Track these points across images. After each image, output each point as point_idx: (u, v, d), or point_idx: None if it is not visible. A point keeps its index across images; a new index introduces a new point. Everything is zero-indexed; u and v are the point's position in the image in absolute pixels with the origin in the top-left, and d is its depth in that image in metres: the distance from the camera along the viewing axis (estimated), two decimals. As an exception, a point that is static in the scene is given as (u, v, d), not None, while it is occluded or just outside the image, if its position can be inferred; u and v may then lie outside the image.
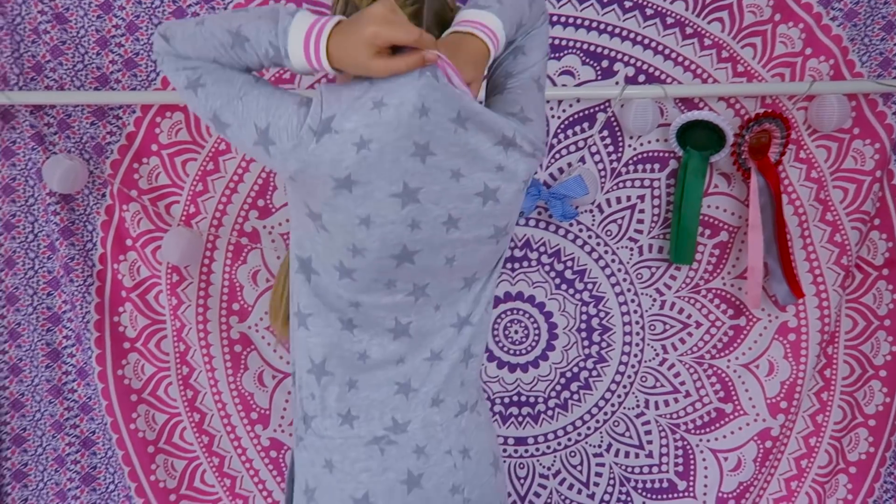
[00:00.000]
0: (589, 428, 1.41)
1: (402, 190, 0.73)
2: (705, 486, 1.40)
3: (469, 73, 0.74)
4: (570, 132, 1.34)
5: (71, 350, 1.35)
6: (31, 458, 1.35)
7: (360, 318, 0.80)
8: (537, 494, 1.42)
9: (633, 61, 1.32)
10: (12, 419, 1.34)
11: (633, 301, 1.39)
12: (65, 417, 1.34)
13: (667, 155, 1.36)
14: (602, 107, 1.33)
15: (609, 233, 1.37)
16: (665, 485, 1.41)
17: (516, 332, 1.40)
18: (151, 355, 1.34)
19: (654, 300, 1.38)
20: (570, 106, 1.33)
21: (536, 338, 1.40)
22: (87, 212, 1.33)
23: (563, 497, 1.42)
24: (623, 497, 1.41)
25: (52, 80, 1.29)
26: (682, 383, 1.40)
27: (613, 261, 1.38)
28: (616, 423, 1.41)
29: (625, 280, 1.38)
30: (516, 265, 1.38)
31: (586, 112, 1.33)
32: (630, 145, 1.35)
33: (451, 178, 0.75)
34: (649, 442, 1.40)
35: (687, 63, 1.32)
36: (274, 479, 1.38)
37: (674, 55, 1.32)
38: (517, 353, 1.40)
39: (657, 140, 1.35)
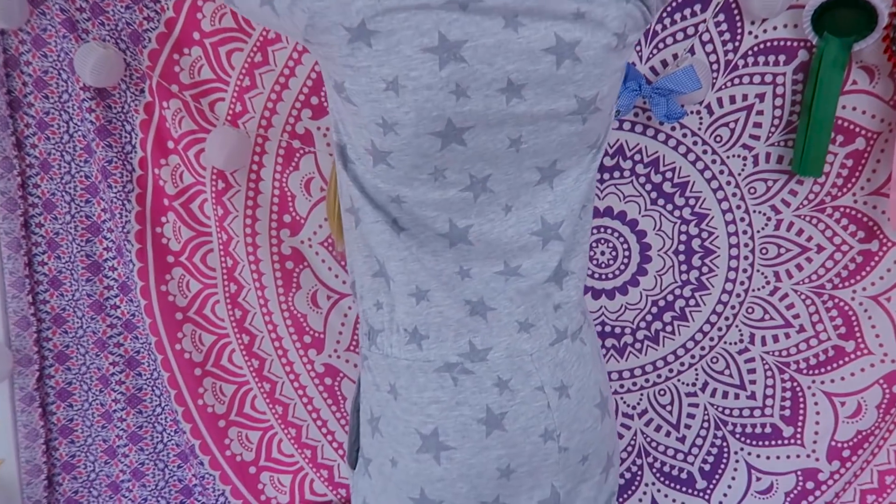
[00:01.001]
0: (682, 364, 1.24)
1: (439, 43, 0.57)
2: (816, 433, 1.22)
3: None
4: (676, 16, 1.12)
5: (112, 263, 1.24)
6: (74, 377, 1.27)
7: (406, 219, 0.65)
8: (620, 435, 1.27)
9: (759, -74, 1.08)
10: (54, 335, 1.26)
11: (742, 220, 1.18)
12: (108, 335, 1.25)
13: (796, 44, 1.12)
14: (719, -17, 1.10)
15: (718, 138, 1.16)
16: (768, 430, 1.23)
17: (602, 253, 1.22)
18: (197, 270, 1.22)
19: (769, 219, 1.18)
20: (680, -17, 1.11)
21: (626, 260, 1.22)
22: (125, 109, 1.19)
23: (648, 439, 1.26)
24: (718, 442, 1.25)
25: (81, -43, 1.14)
26: (796, 316, 1.20)
27: (722, 172, 1.17)
28: (714, 360, 1.23)
29: (734, 195, 1.18)
30: (605, 175, 1.19)
31: (699, -10, 1.11)
32: (751, 32, 1.12)
33: (506, 28, 0.58)
34: (752, 382, 1.23)
35: (829, -73, 1.07)
36: (329, 407, 1.27)
37: (812, -83, 1.07)
38: (603, 276, 1.23)
39: (784, 26, 1.12)
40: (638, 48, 1.14)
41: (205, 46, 1.16)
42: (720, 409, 1.24)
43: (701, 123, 1.16)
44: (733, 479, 1.25)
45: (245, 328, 1.24)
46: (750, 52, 1.13)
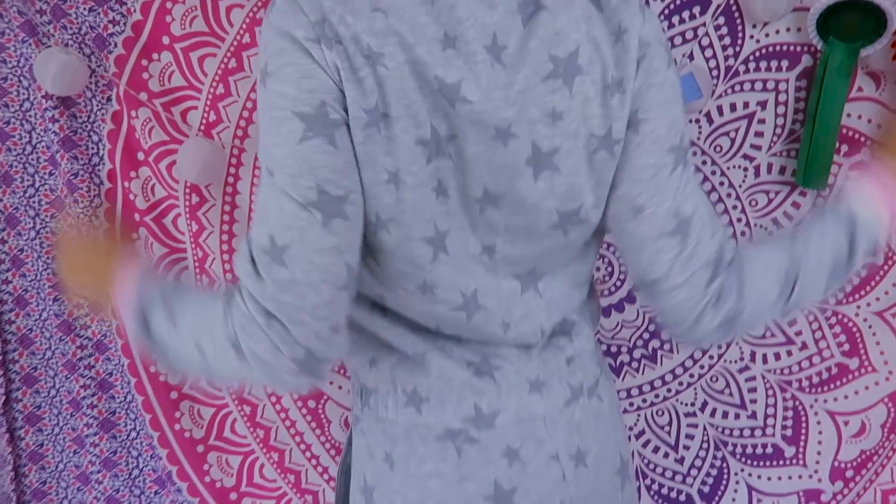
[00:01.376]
0: (681, 383, 1.19)
1: (431, 136, 0.54)
2: (818, 452, 1.18)
3: None
4: (674, 19, 1.06)
5: (81, 281, 1.17)
6: (44, 401, 1.21)
7: (391, 307, 0.62)
8: (615, 456, 1.22)
9: (762, -76, 1.02)
10: (21, 357, 1.19)
11: (743, 234, 1.13)
12: (78, 357, 1.18)
13: (799, 49, 1.07)
14: (719, -15, 1.04)
15: (718, 148, 1.11)
16: (769, 450, 1.19)
17: (598, 268, 1.17)
18: (171, 289, 1.16)
19: (771, 233, 1.13)
20: (679, -16, 1.05)
21: (623, 276, 1.17)
22: (91, 119, 1.12)
23: (646, 461, 1.22)
24: (717, 463, 1.20)
25: (41, -44, 1.06)
26: (798, 333, 1.15)
27: (722, 184, 1.12)
28: (714, 379, 1.19)
29: (735, 207, 1.13)
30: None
31: (699, -8, 1.05)
32: (752, 36, 1.07)
33: (495, 139, 0.54)
34: (753, 401, 1.18)
35: (835, -75, 1.02)
36: (313, 431, 1.21)
37: (817, -85, 1.01)
38: (599, 293, 1.17)
39: (787, 30, 1.06)
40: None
41: (175, 51, 1.09)
42: (720, 429, 1.20)
43: (700, 132, 1.11)
44: (733, 500, 1.20)
45: (223, 349, 1.18)
46: (751, 57, 1.08)
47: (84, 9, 1.08)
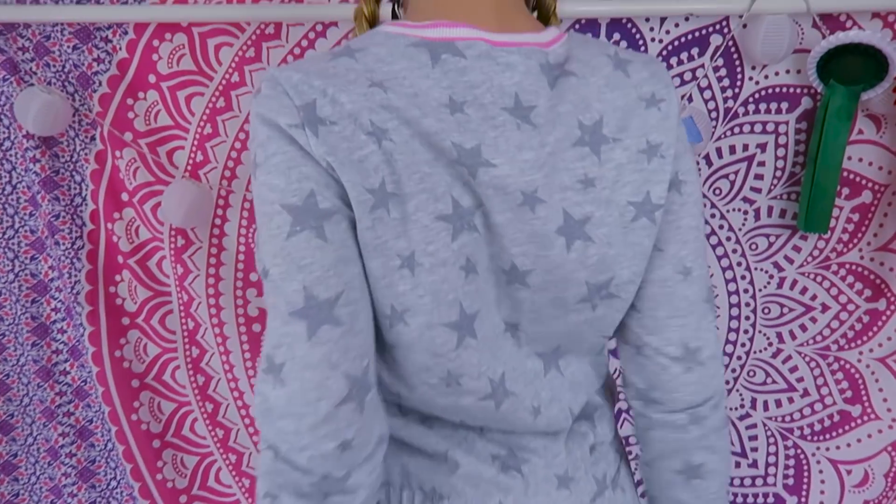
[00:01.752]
0: (680, 430, 1.16)
1: (453, 210, 0.50)
2: (821, 503, 1.15)
3: None
4: (673, 60, 1.04)
5: (61, 325, 1.13)
6: (20, 449, 1.16)
7: (409, 405, 0.59)
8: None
9: (761, -34, 1.01)
10: (-3, 403, 1.15)
11: (743, 278, 1.11)
12: (56, 404, 1.14)
13: (799, 91, 1.05)
14: (718, 26, 1.03)
15: (718, 191, 1.09)
16: (770, 500, 1.16)
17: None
18: (155, 333, 1.12)
19: (771, 277, 1.11)
20: (677, 26, 1.03)
21: (620, 320, 1.14)
22: (74, 159, 1.09)
23: (645, 510, 1.18)
24: (718, 512, 1.17)
25: (24, -8, 1.03)
26: (800, 380, 1.13)
27: (722, 227, 1.10)
28: (714, 426, 1.16)
29: (735, 251, 1.10)
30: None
31: (697, 34, 1.03)
32: (751, 78, 1.05)
33: (521, 206, 0.50)
34: (754, 449, 1.15)
35: (834, -32, 1.00)
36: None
37: (816, -42, 1.00)
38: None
39: (787, 71, 1.05)
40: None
41: (162, 90, 1.06)
42: (720, 476, 1.16)
43: (699, 175, 1.08)
44: (734, 551, 1.17)
45: (208, 395, 1.14)
46: (751, 99, 1.06)
47: (68, 47, 1.05)
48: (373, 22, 0.57)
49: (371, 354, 0.50)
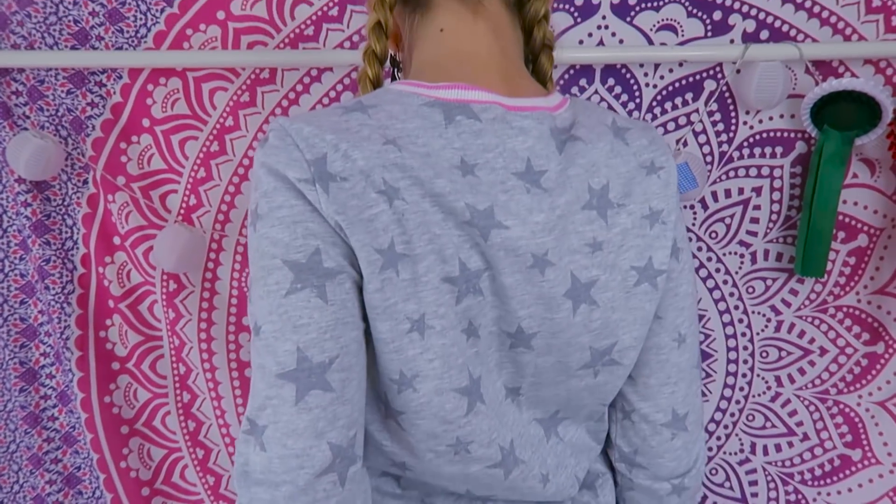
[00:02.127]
0: (679, 475, 1.14)
1: (460, 273, 0.49)
2: (823, 549, 1.13)
3: None
4: (668, 105, 1.05)
5: (50, 371, 1.11)
6: (6, 497, 1.13)
7: (410, 480, 0.57)
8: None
9: (753, 12, 1.01)
10: (-17, 450, 1.12)
11: (741, 321, 1.10)
12: (44, 451, 1.12)
13: (793, 135, 1.06)
14: (712, 72, 1.03)
15: (714, 234, 1.08)
16: (772, 546, 1.14)
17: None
18: (146, 378, 1.10)
19: (769, 320, 1.10)
20: (671, 71, 1.03)
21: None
22: (66, 202, 1.08)
23: (644, 557, 1.16)
24: (719, 559, 1.15)
25: (18, 36, 1.03)
26: (800, 424, 1.12)
27: (718, 270, 1.09)
28: (714, 472, 1.14)
29: (732, 294, 1.10)
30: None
31: (691, 79, 1.03)
32: (746, 122, 1.05)
33: (531, 268, 0.50)
34: (754, 495, 1.13)
35: (826, 15, 1.01)
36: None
37: (808, 4, 1.01)
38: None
39: (781, 116, 1.05)
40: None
41: (155, 134, 1.06)
42: (720, 523, 1.15)
43: (695, 219, 1.08)
44: None
45: (199, 441, 1.12)
46: (745, 143, 1.06)
47: (62, 91, 1.04)
48: (377, 83, 0.56)
49: (360, 425, 0.48)
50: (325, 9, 1.01)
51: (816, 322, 1.10)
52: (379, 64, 0.56)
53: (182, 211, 1.07)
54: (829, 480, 1.12)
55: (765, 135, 1.06)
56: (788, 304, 1.09)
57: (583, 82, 1.03)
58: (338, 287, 0.45)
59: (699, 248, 1.09)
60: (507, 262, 0.48)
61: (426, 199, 0.46)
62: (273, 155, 0.46)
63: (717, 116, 1.05)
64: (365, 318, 0.47)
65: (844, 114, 1.01)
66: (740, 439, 1.13)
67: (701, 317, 1.10)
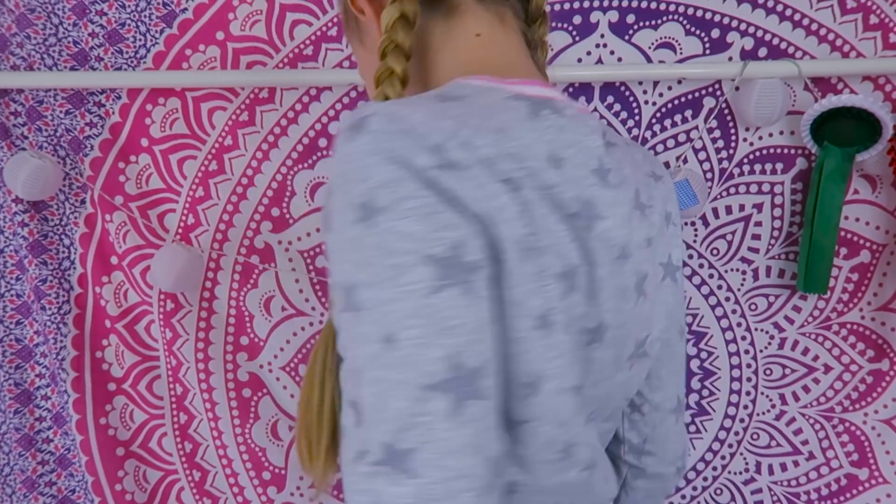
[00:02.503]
0: (684, 497, 1.13)
1: (563, 269, 0.46)
2: (831, 571, 1.11)
3: None
4: (667, 122, 1.05)
5: (45, 392, 1.10)
6: (-1, 521, 1.12)
7: None
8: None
9: (751, 30, 1.02)
10: (-23, 473, 1.11)
11: (744, 339, 1.09)
12: (38, 474, 1.10)
13: (793, 152, 1.05)
14: (710, 89, 1.03)
15: (715, 251, 1.08)
16: (779, 568, 1.12)
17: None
18: (142, 399, 1.09)
19: (772, 337, 1.09)
20: (670, 89, 1.03)
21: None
22: (63, 222, 1.07)
23: (649, 580, 1.14)
24: (725, 582, 1.13)
25: (18, 57, 1.03)
26: (805, 442, 1.10)
27: (720, 287, 1.08)
28: (718, 492, 1.12)
29: (734, 312, 1.09)
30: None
31: (690, 96, 1.03)
32: (746, 139, 1.05)
33: (618, 259, 0.50)
34: (760, 515, 1.12)
35: (823, 32, 1.02)
36: (292, 551, 1.13)
37: (805, 22, 1.01)
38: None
39: (781, 132, 1.05)
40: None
41: (154, 154, 1.06)
42: (726, 544, 1.13)
43: (696, 236, 1.08)
44: None
45: (196, 463, 1.10)
46: (745, 160, 1.06)
47: (61, 111, 1.04)
48: (405, 82, 0.52)
49: (504, 433, 0.44)
50: (325, 28, 1.02)
51: (820, 339, 1.09)
52: (406, 59, 0.52)
53: (180, 230, 1.07)
54: (836, 500, 1.10)
55: (765, 151, 1.05)
56: (791, 321, 1.08)
57: (582, 100, 1.03)
58: (483, 283, 0.41)
59: (701, 265, 1.08)
60: (602, 254, 0.47)
61: (536, 191, 0.43)
62: (388, 141, 0.41)
63: (717, 133, 1.05)
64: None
65: (844, 130, 1.01)
66: (745, 458, 1.11)
67: (703, 334, 1.09)
